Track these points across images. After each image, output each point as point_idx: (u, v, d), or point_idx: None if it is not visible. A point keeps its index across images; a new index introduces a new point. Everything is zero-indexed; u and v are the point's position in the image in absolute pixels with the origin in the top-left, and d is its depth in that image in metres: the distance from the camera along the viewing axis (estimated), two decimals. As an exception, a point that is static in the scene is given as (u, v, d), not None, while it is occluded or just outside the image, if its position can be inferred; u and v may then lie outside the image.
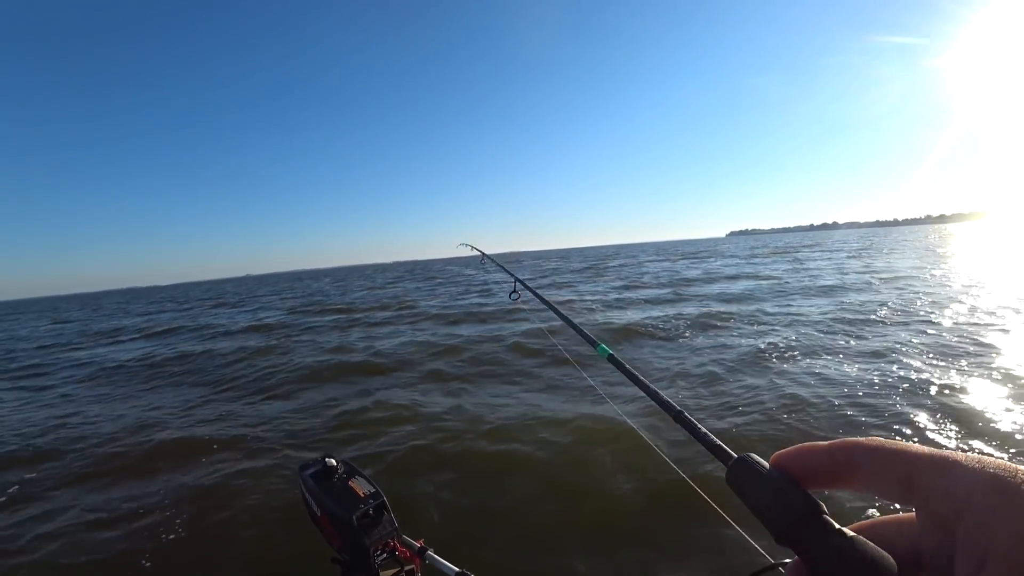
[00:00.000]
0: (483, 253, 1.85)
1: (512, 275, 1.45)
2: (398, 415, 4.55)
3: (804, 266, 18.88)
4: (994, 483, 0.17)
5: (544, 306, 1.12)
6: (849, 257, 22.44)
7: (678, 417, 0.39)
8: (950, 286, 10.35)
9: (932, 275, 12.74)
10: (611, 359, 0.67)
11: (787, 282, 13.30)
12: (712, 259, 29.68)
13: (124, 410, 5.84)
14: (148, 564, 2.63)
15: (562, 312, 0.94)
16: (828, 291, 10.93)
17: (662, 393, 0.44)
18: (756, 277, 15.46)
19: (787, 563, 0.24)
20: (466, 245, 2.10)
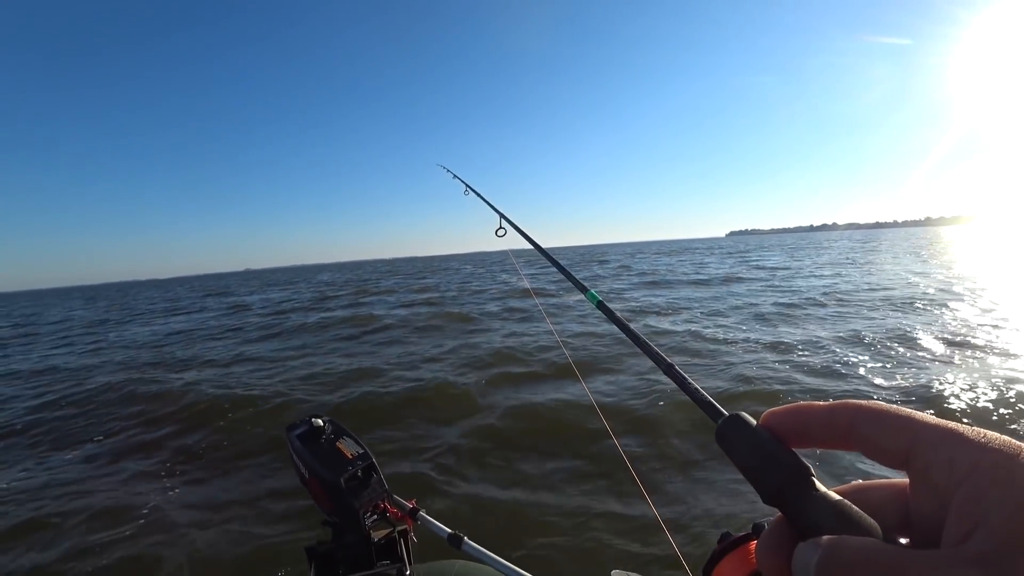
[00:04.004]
0: (466, 184, 1.82)
1: (497, 211, 1.44)
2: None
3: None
4: (996, 458, 0.17)
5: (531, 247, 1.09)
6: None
7: (668, 370, 0.37)
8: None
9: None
10: (600, 306, 0.64)
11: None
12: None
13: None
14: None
15: (552, 256, 0.91)
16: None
17: (653, 345, 0.41)
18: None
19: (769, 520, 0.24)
20: (442, 167, 2.15)
